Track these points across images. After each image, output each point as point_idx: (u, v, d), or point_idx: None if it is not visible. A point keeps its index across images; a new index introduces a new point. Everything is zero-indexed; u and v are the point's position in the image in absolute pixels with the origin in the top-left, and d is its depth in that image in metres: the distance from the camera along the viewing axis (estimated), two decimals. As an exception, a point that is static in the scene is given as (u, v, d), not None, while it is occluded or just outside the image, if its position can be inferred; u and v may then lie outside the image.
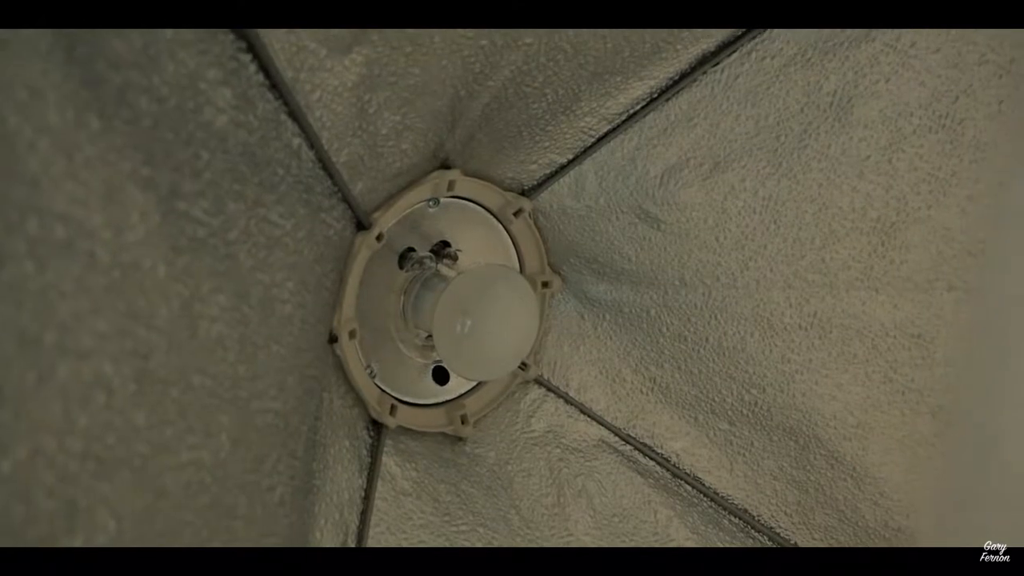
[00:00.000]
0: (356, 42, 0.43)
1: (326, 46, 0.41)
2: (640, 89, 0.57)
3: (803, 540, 0.67)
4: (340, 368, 0.58)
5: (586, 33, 0.51)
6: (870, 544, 0.65)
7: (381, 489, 0.58)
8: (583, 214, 0.63)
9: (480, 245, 0.66)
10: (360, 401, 0.60)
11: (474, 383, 0.68)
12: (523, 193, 0.65)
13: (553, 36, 0.51)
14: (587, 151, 0.61)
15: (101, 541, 0.28)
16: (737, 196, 0.59)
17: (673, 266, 0.62)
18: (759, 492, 0.67)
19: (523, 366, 0.67)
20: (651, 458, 0.68)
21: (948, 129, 0.56)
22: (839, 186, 0.58)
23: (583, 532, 0.65)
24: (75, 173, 0.26)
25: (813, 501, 0.65)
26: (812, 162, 0.57)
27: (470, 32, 0.48)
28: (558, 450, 0.67)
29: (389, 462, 0.60)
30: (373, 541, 0.56)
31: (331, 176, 0.47)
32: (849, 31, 0.54)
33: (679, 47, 0.55)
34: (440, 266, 0.63)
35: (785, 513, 0.67)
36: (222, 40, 0.36)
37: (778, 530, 0.67)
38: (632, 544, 0.65)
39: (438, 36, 0.46)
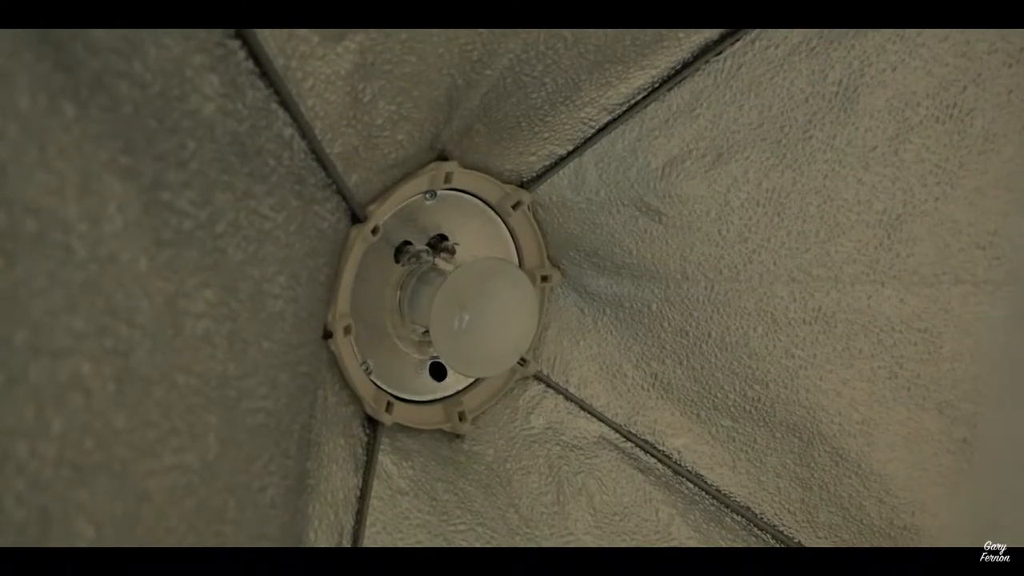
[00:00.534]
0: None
1: (318, 33, 0.40)
2: (641, 78, 0.57)
3: (807, 538, 0.66)
4: (335, 364, 0.58)
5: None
6: (875, 542, 0.64)
7: (377, 488, 0.58)
8: (583, 207, 0.63)
9: (478, 238, 0.66)
10: (355, 398, 0.60)
11: (472, 379, 0.67)
12: (522, 185, 0.65)
13: (552, 24, 0.50)
14: (587, 142, 0.60)
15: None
16: (740, 188, 0.58)
17: (675, 260, 0.62)
18: (762, 490, 0.66)
19: (522, 362, 0.66)
20: (652, 455, 0.68)
21: (956, 119, 0.56)
22: (844, 178, 0.57)
23: (583, 531, 0.65)
24: (47, 162, 0.25)
25: (817, 499, 0.65)
26: (817, 153, 0.57)
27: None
28: (558, 447, 0.67)
29: (385, 460, 0.59)
30: (369, 541, 0.56)
31: (324, 167, 0.47)
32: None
33: (681, 35, 0.55)
34: (437, 260, 0.63)
35: (788, 511, 0.66)
36: (208, 25, 0.34)
37: (781, 528, 0.67)
38: (633, 543, 0.65)
39: (434, 23, 0.46)
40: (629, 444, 0.68)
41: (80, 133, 0.26)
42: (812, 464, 0.64)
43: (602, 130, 0.59)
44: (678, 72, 0.56)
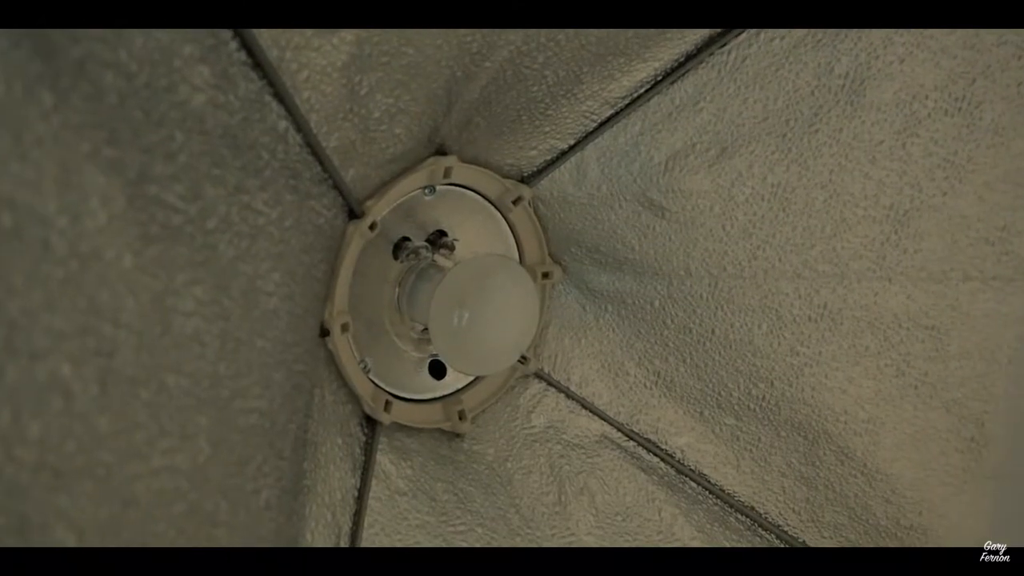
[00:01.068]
0: (345, 19, 0.41)
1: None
2: (644, 71, 0.56)
3: (812, 538, 0.66)
4: (332, 363, 0.57)
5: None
6: (881, 542, 0.64)
7: (375, 488, 0.57)
8: (585, 202, 0.62)
9: (478, 234, 0.65)
10: (353, 397, 0.59)
11: (472, 378, 0.67)
12: (522, 180, 0.64)
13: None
14: (589, 136, 0.60)
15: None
16: (745, 183, 0.58)
17: (678, 256, 0.61)
18: (766, 489, 0.66)
19: (523, 360, 0.66)
20: (655, 454, 0.67)
21: (965, 112, 0.56)
22: (851, 172, 0.57)
23: (585, 531, 0.64)
24: (24, 153, 0.23)
25: (822, 498, 0.65)
26: (823, 147, 0.56)
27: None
28: (559, 446, 0.66)
29: (384, 460, 0.59)
30: (367, 543, 0.55)
31: (320, 161, 0.46)
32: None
33: (684, 28, 0.54)
34: (436, 256, 0.62)
35: (793, 511, 0.66)
36: (198, 14, 0.33)
37: (786, 528, 0.66)
38: (636, 543, 0.65)
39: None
40: (631, 443, 0.67)
41: (60, 123, 0.25)
42: (817, 463, 0.64)
43: (604, 124, 0.59)
44: (681, 65, 0.56)
